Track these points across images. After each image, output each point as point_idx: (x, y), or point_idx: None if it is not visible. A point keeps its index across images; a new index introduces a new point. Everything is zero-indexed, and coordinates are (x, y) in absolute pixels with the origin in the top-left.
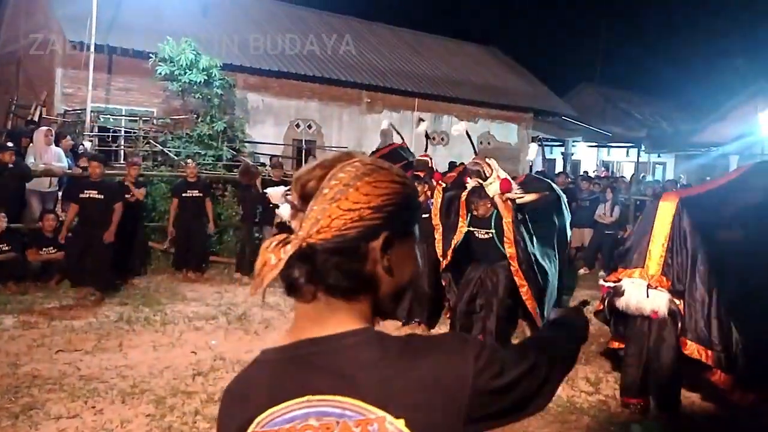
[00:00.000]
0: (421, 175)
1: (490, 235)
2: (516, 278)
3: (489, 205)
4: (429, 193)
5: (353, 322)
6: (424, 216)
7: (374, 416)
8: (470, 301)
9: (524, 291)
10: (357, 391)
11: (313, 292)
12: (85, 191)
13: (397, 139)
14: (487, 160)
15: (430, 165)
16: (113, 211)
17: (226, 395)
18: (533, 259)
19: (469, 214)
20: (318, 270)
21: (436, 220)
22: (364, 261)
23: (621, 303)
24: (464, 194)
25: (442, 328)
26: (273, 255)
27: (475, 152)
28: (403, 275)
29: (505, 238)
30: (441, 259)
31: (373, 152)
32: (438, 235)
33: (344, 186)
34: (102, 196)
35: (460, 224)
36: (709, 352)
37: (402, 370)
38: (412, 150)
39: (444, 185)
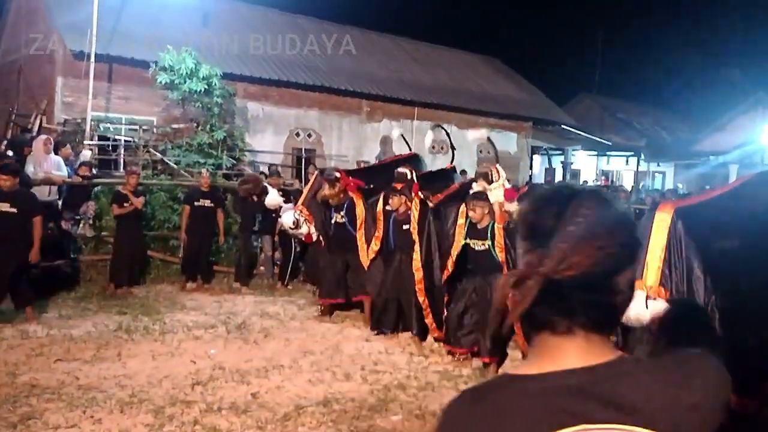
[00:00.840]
0: (399, 187)
1: (486, 246)
2: None
3: (486, 211)
4: (408, 204)
5: (610, 351)
6: (404, 228)
7: None
8: (462, 313)
9: None
10: (636, 419)
11: (567, 325)
12: None
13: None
14: (497, 166)
15: (409, 177)
16: (32, 227)
17: (462, 417)
18: None
19: (467, 226)
20: (571, 304)
21: (415, 233)
22: (614, 294)
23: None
24: (462, 208)
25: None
26: (516, 291)
27: (496, 158)
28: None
29: (496, 243)
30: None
31: (383, 159)
32: (417, 247)
33: (590, 224)
34: (15, 210)
35: (457, 238)
36: None
37: (676, 395)
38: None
39: (422, 197)
